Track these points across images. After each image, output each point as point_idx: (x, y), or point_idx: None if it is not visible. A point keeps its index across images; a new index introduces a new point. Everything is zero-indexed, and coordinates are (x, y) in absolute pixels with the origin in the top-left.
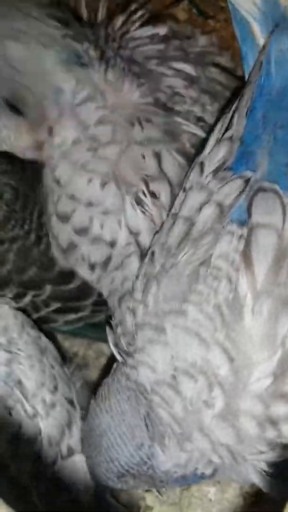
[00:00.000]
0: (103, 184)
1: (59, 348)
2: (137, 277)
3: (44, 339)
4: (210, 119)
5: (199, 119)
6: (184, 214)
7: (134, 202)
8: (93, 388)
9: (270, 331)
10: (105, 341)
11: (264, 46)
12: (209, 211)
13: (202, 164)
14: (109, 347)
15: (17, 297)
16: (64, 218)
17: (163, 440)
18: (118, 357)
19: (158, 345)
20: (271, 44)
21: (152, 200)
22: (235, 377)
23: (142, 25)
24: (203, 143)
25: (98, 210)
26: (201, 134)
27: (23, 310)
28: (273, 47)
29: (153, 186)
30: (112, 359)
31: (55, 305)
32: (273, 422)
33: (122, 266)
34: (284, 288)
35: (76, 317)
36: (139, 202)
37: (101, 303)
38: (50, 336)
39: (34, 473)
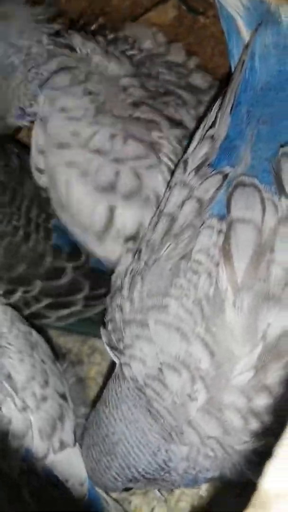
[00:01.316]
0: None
1: (53, 344)
2: (125, 274)
3: (34, 334)
4: (191, 122)
5: (178, 123)
6: (168, 211)
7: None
8: (87, 384)
9: (251, 326)
10: (99, 336)
11: (248, 42)
12: (189, 207)
13: (185, 162)
14: (103, 342)
15: (7, 293)
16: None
17: (170, 436)
18: (111, 355)
19: (145, 341)
20: (256, 40)
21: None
22: (217, 371)
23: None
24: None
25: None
26: (174, 142)
27: (14, 307)
28: (257, 42)
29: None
30: (106, 353)
31: (46, 301)
32: (256, 414)
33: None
34: (264, 283)
35: (68, 312)
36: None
37: (92, 297)
38: (44, 332)
39: (25, 467)
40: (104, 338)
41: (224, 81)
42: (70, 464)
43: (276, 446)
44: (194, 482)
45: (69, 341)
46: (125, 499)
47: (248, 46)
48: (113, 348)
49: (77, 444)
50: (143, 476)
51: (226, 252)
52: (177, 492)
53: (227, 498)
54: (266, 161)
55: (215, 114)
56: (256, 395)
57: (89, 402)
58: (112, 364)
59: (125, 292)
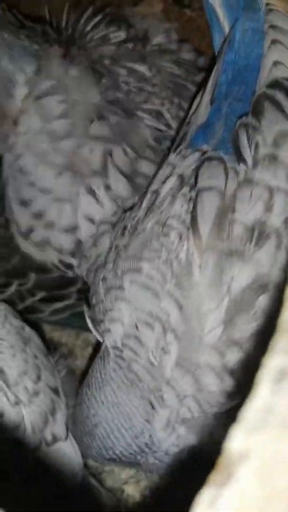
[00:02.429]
0: (59, 174)
1: (45, 338)
2: (109, 250)
3: (27, 330)
4: (171, 112)
5: (159, 114)
6: (152, 188)
7: (87, 192)
8: (80, 377)
9: (216, 282)
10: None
11: (230, 30)
12: (171, 182)
13: (171, 146)
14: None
15: (3, 286)
16: (24, 203)
17: (151, 405)
18: (93, 330)
19: (122, 301)
20: (236, 25)
21: (105, 191)
22: (186, 325)
23: (104, 25)
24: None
25: (53, 198)
26: (162, 127)
27: (9, 301)
28: (238, 27)
29: (102, 180)
30: (98, 347)
31: (40, 294)
32: (230, 371)
33: (96, 245)
34: (227, 242)
35: (62, 305)
36: (91, 191)
37: (86, 290)
38: (38, 327)
39: (17, 460)
40: (86, 315)
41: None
42: (62, 456)
43: (241, 407)
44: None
45: (62, 335)
46: (118, 488)
47: (229, 32)
48: (96, 323)
49: (69, 436)
50: (120, 458)
51: (193, 218)
52: None
53: None
54: (231, 133)
55: (198, 100)
56: (228, 350)
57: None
58: None
59: (109, 265)
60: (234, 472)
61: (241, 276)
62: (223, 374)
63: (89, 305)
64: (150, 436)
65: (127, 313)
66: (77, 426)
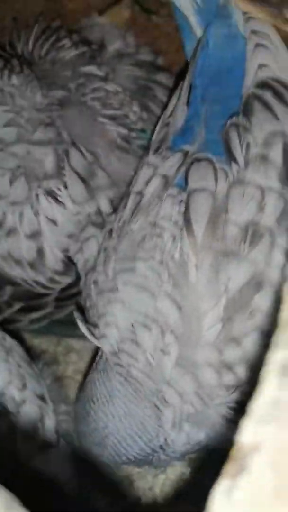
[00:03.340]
0: (14, 179)
1: (28, 347)
2: (98, 253)
3: (9, 340)
4: (135, 112)
5: (122, 115)
6: (136, 189)
7: (47, 194)
8: (64, 382)
9: (213, 281)
10: (73, 336)
11: (202, 36)
12: (155, 183)
13: (149, 147)
14: (78, 341)
15: None
16: None
17: (157, 407)
18: (88, 335)
19: (116, 304)
20: (210, 30)
21: (65, 191)
22: (185, 325)
23: (55, 39)
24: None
25: (8, 203)
26: (128, 128)
27: None
28: (211, 33)
29: (60, 181)
30: (81, 352)
31: (18, 305)
32: (229, 367)
33: (83, 250)
34: (222, 242)
35: (40, 314)
36: (50, 193)
37: (63, 298)
38: (18, 335)
39: (12, 469)
40: (78, 320)
41: (179, 77)
42: (56, 461)
43: (250, 401)
44: (181, 456)
45: (43, 342)
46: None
47: (202, 37)
48: (91, 326)
49: (61, 442)
50: (133, 461)
51: (186, 219)
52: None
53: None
54: (218, 134)
55: (174, 103)
56: (226, 347)
57: (70, 400)
58: (90, 363)
59: (99, 268)
60: (247, 463)
61: (237, 275)
62: (221, 370)
63: (81, 310)
64: (165, 439)
65: (121, 316)
66: (81, 439)
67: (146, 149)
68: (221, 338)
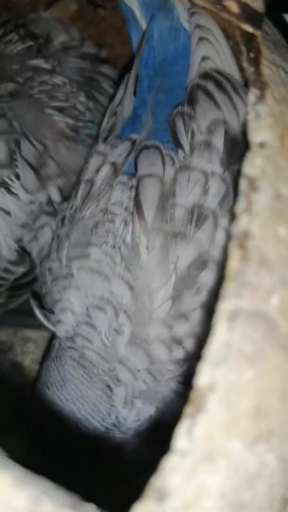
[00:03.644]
0: None
1: None
2: (52, 240)
3: None
4: (82, 102)
5: (70, 106)
6: (86, 177)
7: None
8: (23, 371)
9: (163, 261)
10: (29, 326)
11: (146, 28)
12: (105, 170)
13: (97, 136)
14: (34, 331)
15: None
16: None
17: (109, 388)
18: (44, 322)
19: (70, 290)
20: (153, 24)
21: (17, 181)
22: (138, 305)
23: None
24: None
25: None
26: (76, 118)
27: None
28: (155, 26)
29: (11, 171)
30: (38, 342)
31: None
32: (178, 341)
33: (37, 239)
34: (170, 224)
35: None
36: (2, 184)
37: (17, 287)
38: None
39: None
40: (34, 307)
41: (125, 69)
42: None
43: (204, 349)
44: (136, 434)
45: (0, 333)
46: None
47: (146, 30)
48: (47, 312)
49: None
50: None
51: (137, 203)
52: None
53: None
54: (165, 122)
55: (121, 94)
56: (176, 323)
57: (28, 387)
58: (47, 352)
59: (53, 255)
60: (204, 403)
61: (185, 254)
62: (171, 344)
63: (37, 297)
64: (116, 417)
65: (76, 301)
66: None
67: (94, 138)
68: (171, 314)
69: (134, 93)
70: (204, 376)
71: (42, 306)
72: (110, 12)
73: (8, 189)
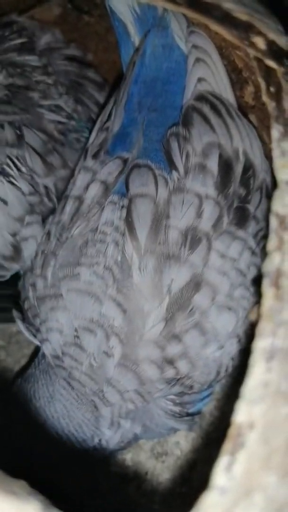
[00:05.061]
0: None
1: None
2: (36, 255)
3: None
4: (70, 105)
5: (58, 107)
6: (74, 194)
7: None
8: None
9: (157, 283)
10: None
11: (139, 44)
12: (95, 188)
13: (86, 151)
14: (4, 341)
15: None
16: None
17: (96, 408)
18: (28, 335)
19: (59, 310)
20: (147, 40)
21: (18, 171)
22: (130, 327)
23: None
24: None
25: None
26: (64, 120)
27: None
28: (148, 42)
29: (16, 152)
30: (12, 352)
31: None
32: (170, 362)
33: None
34: (163, 246)
35: None
36: (4, 173)
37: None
38: None
39: None
40: (18, 320)
41: (108, 76)
42: None
43: (241, 387)
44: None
45: None
46: None
47: (140, 46)
48: (29, 325)
49: None
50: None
51: (129, 223)
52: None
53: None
54: (157, 142)
55: (110, 108)
56: (168, 344)
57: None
58: (18, 360)
59: (37, 271)
60: (243, 440)
61: (179, 276)
62: (163, 365)
63: (19, 310)
64: (100, 440)
65: (65, 322)
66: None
67: (82, 148)
68: (163, 335)
69: (125, 109)
70: (242, 413)
71: (24, 319)
72: (95, 19)
73: (8, 178)
